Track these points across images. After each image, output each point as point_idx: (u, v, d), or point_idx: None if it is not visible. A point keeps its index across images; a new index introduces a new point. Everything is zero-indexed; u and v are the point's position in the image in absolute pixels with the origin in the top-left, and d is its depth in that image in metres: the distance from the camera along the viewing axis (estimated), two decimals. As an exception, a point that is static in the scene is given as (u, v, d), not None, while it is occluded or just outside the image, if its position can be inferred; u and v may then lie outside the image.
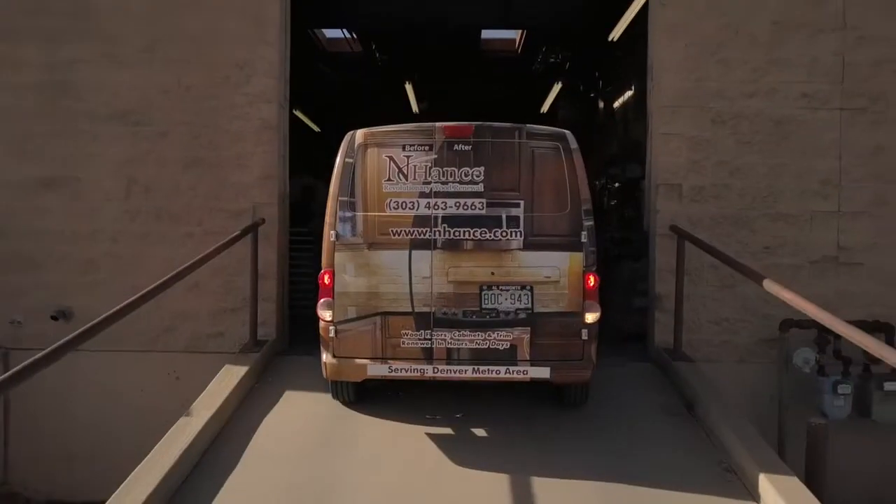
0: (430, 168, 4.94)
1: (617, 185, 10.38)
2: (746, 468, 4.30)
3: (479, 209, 4.93)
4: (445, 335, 4.91)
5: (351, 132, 5.05)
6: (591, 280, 4.93)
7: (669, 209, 6.66)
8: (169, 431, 4.61)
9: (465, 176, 4.95)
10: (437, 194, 4.94)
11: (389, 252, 4.94)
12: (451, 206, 4.93)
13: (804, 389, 6.27)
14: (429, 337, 4.92)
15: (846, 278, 6.62)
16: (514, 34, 13.33)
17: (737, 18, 6.63)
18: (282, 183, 6.87)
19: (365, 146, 5.00)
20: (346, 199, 4.97)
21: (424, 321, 4.92)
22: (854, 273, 6.64)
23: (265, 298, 6.56)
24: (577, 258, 4.88)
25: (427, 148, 4.97)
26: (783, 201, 6.66)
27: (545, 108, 16.17)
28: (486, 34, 12.96)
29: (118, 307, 4.19)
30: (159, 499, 3.90)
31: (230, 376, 5.50)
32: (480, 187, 4.94)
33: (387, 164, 4.97)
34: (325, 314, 5.00)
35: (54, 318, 6.62)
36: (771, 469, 4.16)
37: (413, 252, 4.93)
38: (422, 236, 4.94)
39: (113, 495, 3.84)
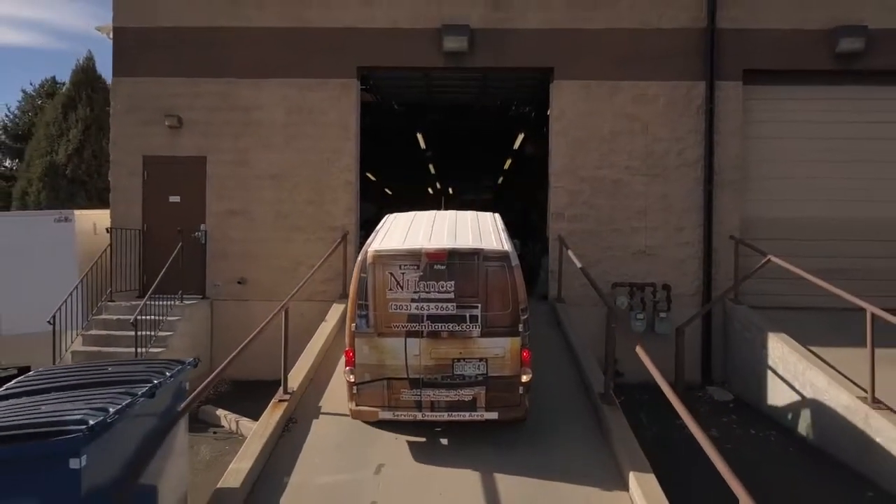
0: (418, 281, 6.05)
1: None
2: (574, 345, 9.46)
3: (451, 310, 6.03)
4: (430, 392, 6.06)
5: (363, 253, 6.31)
6: (525, 354, 6.04)
7: (558, 227, 11.67)
8: (319, 327, 9.86)
9: (442, 287, 6.03)
10: (423, 299, 6.04)
11: (392, 339, 6.08)
12: (432, 308, 6.04)
13: (623, 318, 11.34)
14: (419, 394, 6.08)
15: (650, 262, 11.65)
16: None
17: (592, 129, 11.65)
18: (357, 212, 12.12)
19: (374, 265, 6.13)
20: (362, 302, 6.11)
21: (416, 383, 6.08)
22: (654, 259, 11.65)
23: (349, 272, 11.32)
24: (517, 341, 6.04)
25: (416, 267, 6.03)
26: (617, 223, 11.65)
27: (516, 144, 19.35)
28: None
29: (302, 282, 9.25)
30: (324, 349, 9.36)
31: (337, 309, 10.81)
32: (452, 294, 6.02)
33: (389, 278, 6.08)
34: (350, 377, 6.18)
35: (239, 282, 12.02)
36: (581, 344, 9.61)
37: (408, 339, 6.06)
38: (413, 328, 6.05)
39: (307, 346, 9.34)
